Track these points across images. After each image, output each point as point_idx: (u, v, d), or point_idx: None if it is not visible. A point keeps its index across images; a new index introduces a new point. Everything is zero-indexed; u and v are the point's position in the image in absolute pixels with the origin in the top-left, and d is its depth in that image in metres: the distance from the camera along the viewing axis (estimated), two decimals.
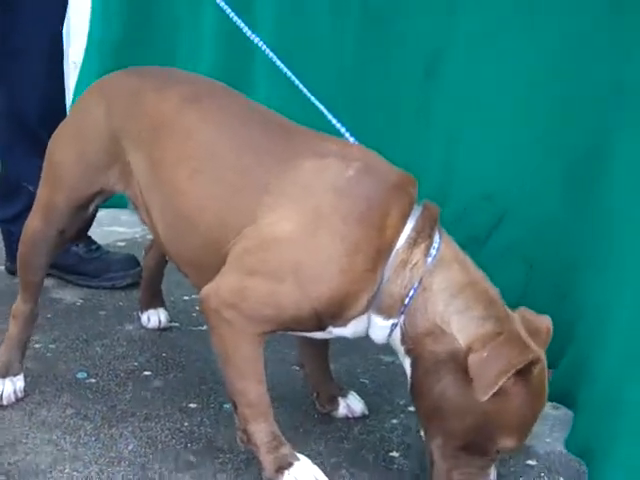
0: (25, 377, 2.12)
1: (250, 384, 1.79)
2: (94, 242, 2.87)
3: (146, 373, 2.26)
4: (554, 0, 2.24)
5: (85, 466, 1.83)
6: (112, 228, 3.38)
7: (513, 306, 1.73)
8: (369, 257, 1.67)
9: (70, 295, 2.73)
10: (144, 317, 2.52)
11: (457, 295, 1.67)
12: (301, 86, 1.95)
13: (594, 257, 2.04)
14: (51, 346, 2.36)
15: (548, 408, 2.16)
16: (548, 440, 2.02)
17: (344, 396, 2.11)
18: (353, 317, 1.73)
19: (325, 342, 2.11)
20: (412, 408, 2.16)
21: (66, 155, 2.03)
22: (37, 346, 2.34)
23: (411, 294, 1.68)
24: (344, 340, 2.51)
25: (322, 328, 1.75)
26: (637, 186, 1.89)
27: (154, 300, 2.53)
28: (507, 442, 1.65)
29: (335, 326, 1.75)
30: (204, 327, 2.29)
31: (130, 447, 1.91)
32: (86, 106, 2.06)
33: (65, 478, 1.79)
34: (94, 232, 3.06)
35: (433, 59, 2.56)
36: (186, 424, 2.02)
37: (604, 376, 1.84)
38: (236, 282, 1.73)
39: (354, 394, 2.13)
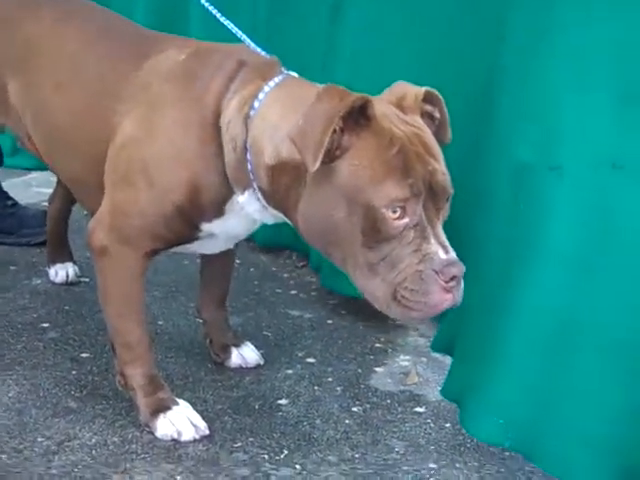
0: None
1: (128, 325, 1.76)
2: (10, 198, 2.82)
3: (43, 325, 2.21)
4: None
5: None
6: (40, 189, 3.33)
7: None
8: (199, 132, 1.62)
9: None
10: (52, 271, 2.48)
11: (278, 127, 1.54)
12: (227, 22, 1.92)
13: (490, 194, 1.96)
14: None
15: (447, 358, 2.12)
16: (440, 388, 1.99)
17: (238, 346, 2.06)
18: (215, 202, 1.64)
19: (224, 289, 2.07)
20: (310, 359, 2.15)
21: None
22: None
23: (248, 157, 1.60)
24: (253, 295, 2.51)
25: (196, 227, 1.67)
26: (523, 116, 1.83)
27: (61, 254, 2.49)
28: (390, 194, 1.41)
29: (208, 221, 1.67)
30: None
31: (10, 394, 1.87)
32: None
33: None
34: (22, 194, 3.01)
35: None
36: (74, 372, 1.98)
37: (476, 323, 1.81)
38: (108, 204, 1.70)
39: (249, 344, 2.09)
